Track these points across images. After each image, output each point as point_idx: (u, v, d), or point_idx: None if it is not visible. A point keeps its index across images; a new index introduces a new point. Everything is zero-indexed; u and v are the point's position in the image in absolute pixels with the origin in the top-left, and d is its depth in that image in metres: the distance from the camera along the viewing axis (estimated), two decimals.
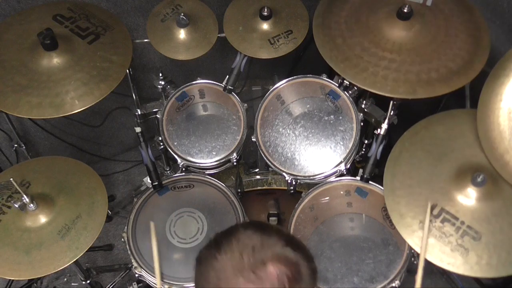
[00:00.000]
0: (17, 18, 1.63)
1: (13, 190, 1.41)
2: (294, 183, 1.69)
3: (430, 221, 1.31)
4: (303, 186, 1.88)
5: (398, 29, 1.49)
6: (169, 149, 1.76)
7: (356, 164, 2.03)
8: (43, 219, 1.38)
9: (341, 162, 1.65)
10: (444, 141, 1.44)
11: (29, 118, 1.97)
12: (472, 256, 1.26)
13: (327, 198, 1.69)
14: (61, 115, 1.46)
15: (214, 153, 1.77)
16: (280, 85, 1.70)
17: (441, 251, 1.28)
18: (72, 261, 1.35)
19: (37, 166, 1.54)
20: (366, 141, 1.99)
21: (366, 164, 1.60)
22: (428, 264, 1.29)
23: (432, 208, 1.32)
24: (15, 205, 1.33)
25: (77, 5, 1.69)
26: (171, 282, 1.52)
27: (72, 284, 2.04)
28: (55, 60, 1.51)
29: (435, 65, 1.44)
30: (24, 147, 2.03)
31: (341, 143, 1.68)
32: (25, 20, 1.61)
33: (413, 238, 1.32)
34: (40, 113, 1.45)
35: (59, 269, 1.33)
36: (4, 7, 1.72)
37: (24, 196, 1.33)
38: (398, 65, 1.45)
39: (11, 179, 1.34)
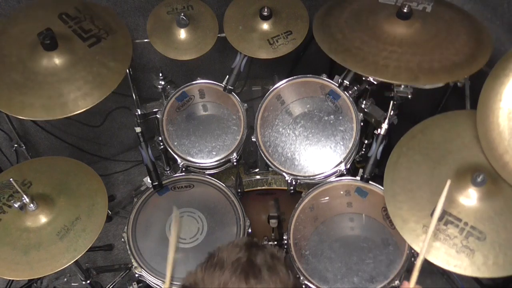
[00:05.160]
0: (24, 12, 1.62)
1: (14, 189, 1.40)
2: (294, 183, 1.69)
3: None
4: (303, 186, 1.88)
5: (398, 27, 1.49)
6: (169, 149, 1.76)
7: (356, 164, 2.03)
8: (42, 219, 1.38)
9: (341, 162, 1.65)
10: (441, 143, 1.44)
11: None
12: (479, 256, 1.25)
13: (327, 198, 1.69)
14: (50, 119, 1.45)
15: (214, 153, 1.77)
16: (280, 85, 1.70)
17: (447, 254, 1.28)
18: (70, 263, 1.34)
19: (39, 166, 1.54)
20: (366, 141, 1.99)
21: (366, 164, 1.60)
22: (429, 264, 1.29)
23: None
24: (15, 205, 1.33)
25: (84, 5, 1.67)
26: (171, 282, 1.52)
27: (72, 284, 2.04)
28: (53, 60, 1.50)
29: (438, 56, 1.42)
30: (24, 147, 2.03)
31: (341, 143, 1.68)
32: (31, 16, 1.60)
33: (418, 243, 1.31)
34: (31, 114, 1.44)
35: (57, 271, 1.33)
36: (4, 7, 1.72)
37: (24, 196, 1.33)
38: (399, 55, 1.43)
39: (11, 179, 1.34)
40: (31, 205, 1.35)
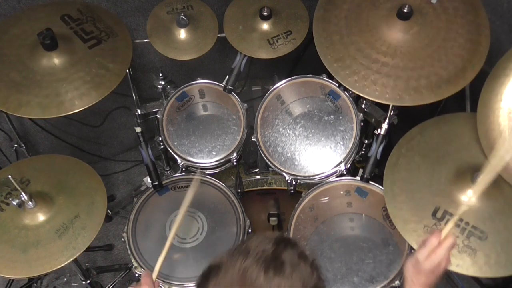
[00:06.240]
0: (26, 13, 1.63)
1: (12, 187, 1.40)
2: (294, 183, 1.69)
3: (435, 224, 1.31)
4: (303, 186, 1.88)
5: (396, 30, 1.48)
6: (169, 149, 1.76)
7: (356, 164, 2.03)
8: (41, 217, 1.38)
9: (341, 162, 1.65)
10: (440, 144, 1.44)
11: (29, 118, 1.98)
12: (480, 256, 1.25)
13: (327, 198, 1.68)
14: (46, 117, 1.45)
15: (214, 153, 1.77)
16: (280, 85, 1.70)
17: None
18: (69, 261, 1.34)
19: (38, 164, 1.54)
20: (366, 141, 1.99)
21: (366, 164, 1.60)
22: None
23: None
24: (13, 202, 1.33)
25: (87, 7, 1.68)
26: (171, 282, 1.52)
27: (72, 284, 2.03)
28: (53, 60, 1.50)
29: (426, 72, 1.44)
30: (24, 147, 2.03)
31: (341, 143, 1.68)
32: (34, 16, 1.61)
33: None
34: (27, 112, 1.44)
35: (55, 269, 1.33)
36: (4, 7, 1.72)
37: (23, 193, 1.33)
38: (390, 69, 1.45)
39: (9, 176, 1.33)
40: (30, 202, 1.35)
